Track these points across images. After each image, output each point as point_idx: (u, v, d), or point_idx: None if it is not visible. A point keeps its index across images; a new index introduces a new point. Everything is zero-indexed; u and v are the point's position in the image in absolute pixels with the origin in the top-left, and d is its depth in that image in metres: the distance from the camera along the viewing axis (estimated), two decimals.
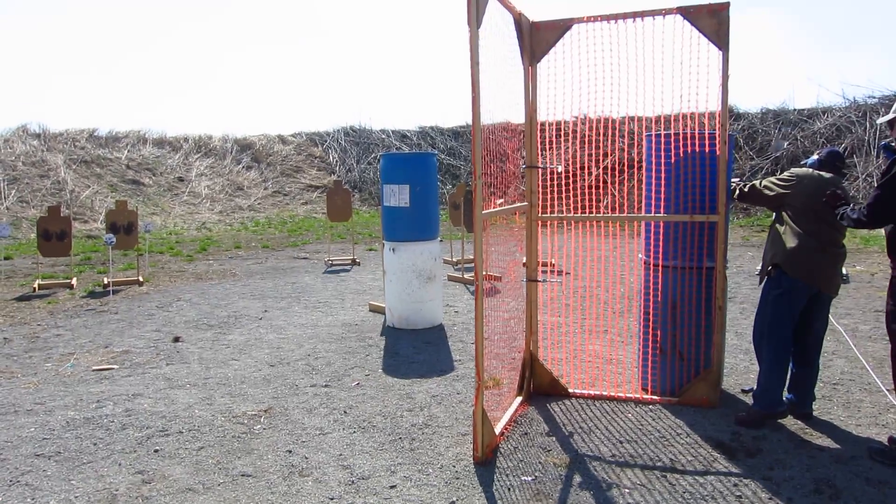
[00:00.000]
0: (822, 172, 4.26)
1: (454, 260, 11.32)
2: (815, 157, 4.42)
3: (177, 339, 6.73)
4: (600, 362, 5.67)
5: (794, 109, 19.37)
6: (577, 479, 3.62)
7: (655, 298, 4.82)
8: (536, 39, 4.67)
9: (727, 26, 4.23)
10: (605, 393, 4.91)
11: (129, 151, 19.42)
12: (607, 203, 9.77)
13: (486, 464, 3.80)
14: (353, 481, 3.64)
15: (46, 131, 18.36)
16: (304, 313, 7.91)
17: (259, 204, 20.12)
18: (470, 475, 3.68)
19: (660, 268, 4.80)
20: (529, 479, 3.62)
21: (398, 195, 6.81)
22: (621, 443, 4.08)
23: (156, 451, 4.08)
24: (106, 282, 9.48)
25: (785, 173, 4.39)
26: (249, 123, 34.29)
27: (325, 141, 24.55)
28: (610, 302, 7.59)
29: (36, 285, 9.42)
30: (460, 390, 5.12)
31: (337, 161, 23.49)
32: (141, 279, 9.91)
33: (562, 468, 3.75)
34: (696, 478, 3.61)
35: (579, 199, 5.05)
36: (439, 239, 7.33)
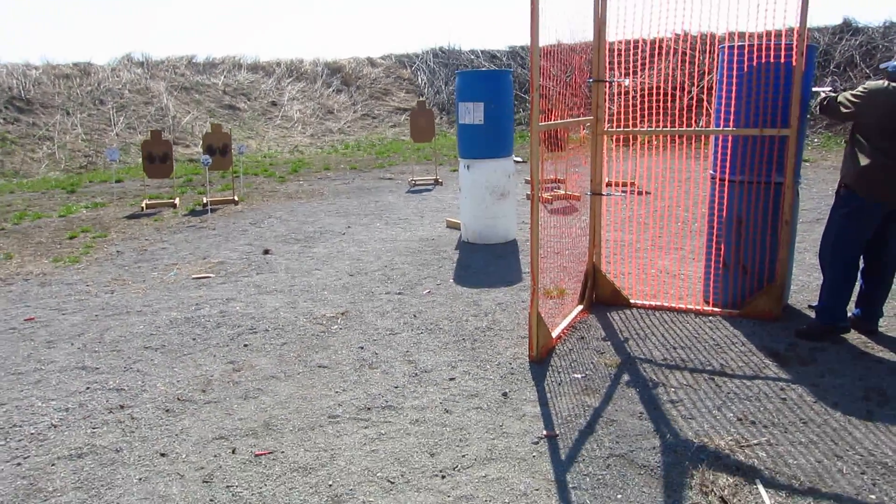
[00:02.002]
0: None
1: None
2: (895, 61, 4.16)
3: (266, 252, 7.28)
4: (667, 277, 5.73)
5: None
6: (626, 377, 3.81)
7: (721, 213, 4.79)
8: None
9: None
10: (666, 304, 5.00)
11: (224, 77, 20.20)
12: (675, 119, 9.42)
13: (540, 363, 4.04)
14: (416, 373, 3.99)
15: (149, 60, 19.35)
16: (384, 229, 8.28)
17: (348, 127, 20.58)
18: (524, 371, 3.95)
19: (726, 182, 4.75)
20: (579, 376, 3.84)
21: (473, 113, 6.91)
22: (674, 349, 4.21)
23: (245, 345, 4.58)
24: (205, 201, 10.20)
25: (860, 87, 4.16)
26: (339, 47, 34.61)
27: (414, 63, 24.50)
28: (689, 221, 7.51)
29: (144, 205, 10.26)
30: (525, 299, 5.34)
31: (425, 83, 23.49)
32: (236, 199, 10.57)
33: (612, 368, 3.95)
34: (744, 381, 3.71)
35: (646, 114, 5.01)
36: (515, 156, 7.41)
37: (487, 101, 6.82)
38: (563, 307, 4.85)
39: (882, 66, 4.15)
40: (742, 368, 3.88)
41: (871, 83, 4.07)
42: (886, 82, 4.00)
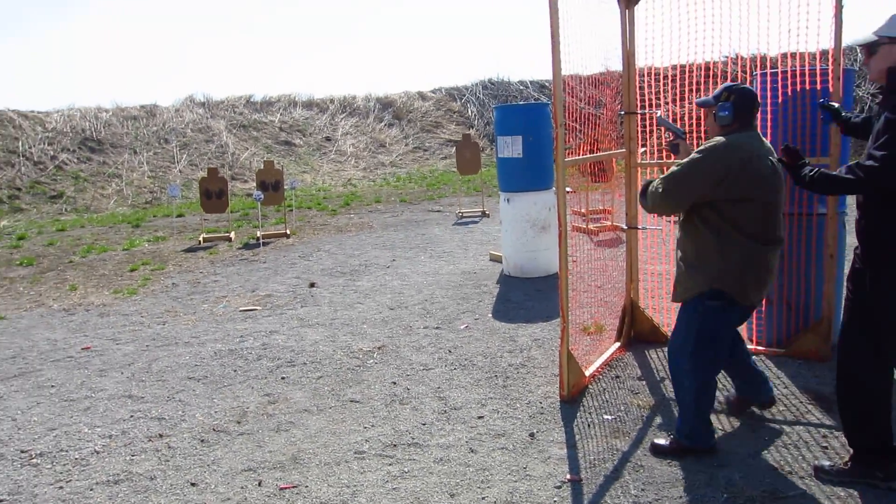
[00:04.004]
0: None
1: (581, 210, 11.26)
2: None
3: (312, 285, 7.44)
4: None
5: None
6: (658, 420, 3.72)
7: None
8: None
9: None
10: None
11: (280, 115, 20.92)
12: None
13: (571, 402, 3.99)
14: (445, 410, 4.00)
15: (210, 100, 20.24)
16: (428, 262, 8.36)
17: (400, 160, 20.95)
18: (554, 411, 3.90)
19: None
20: (610, 417, 3.77)
21: (511, 146, 6.97)
22: None
23: (282, 378, 4.68)
24: (258, 235, 10.53)
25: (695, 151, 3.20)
26: (390, 81, 35.61)
27: (464, 95, 24.86)
28: None
29: (201, 238, 10.66)
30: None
31: (475, 115, 23.76)
32: (288, 232, 10.87)
33: (645, 409, 3.86)
34: (783, 426, 3.57)
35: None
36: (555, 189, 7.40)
37: (525, 135, 6.87)
38: (601, 344, 4.78)
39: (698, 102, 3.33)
40: (782, 412, 3.73)
41: (709, 146, 3.12)
42: (723, 139, 3.11)
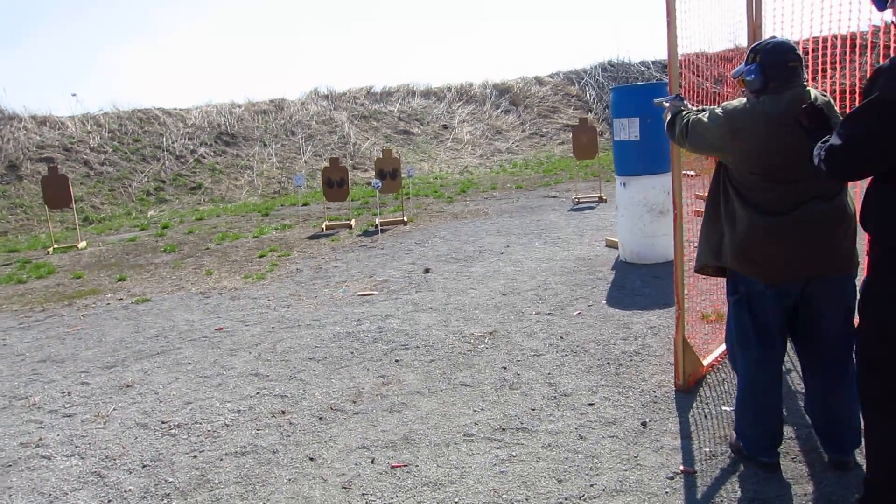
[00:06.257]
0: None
1: (703, 194, 10.72)
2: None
3: (427, 271, 7.59)
4: None
5: None
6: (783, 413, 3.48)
7: None
8: None
9: None
10: None
11: (399, 104, 21.42)
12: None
13: (687, 392, 3.83)
14: (555, 396, 3.96)
15: (332, 92, 21.10)
16: (542, 248, 8.28)
17: (516, 146, 20.85)
18: (668, 401, 3.76)
19: None
20: (729, 408, 3.58)
21: (628, 128, 6.73)
22: None
23: (396, 360, 4.82)
24: (376, 222, 10.86)
25: (718, 108, 3.02)
26: (507, 67, 35.36)
27: (582, 79, 24.31)
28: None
29: (324, 226, 11.16)
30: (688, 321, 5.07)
31: (594, 98, 23.19)
32: (405, 219, 11.14)
33: None
34: None
35: None
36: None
37: (643, 116, 6.61)
38: (722, 332, 4.53)
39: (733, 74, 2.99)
40: None
41: (730, 104, 2.91)
42: (745, 100, 2.85)
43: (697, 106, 3.45)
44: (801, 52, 2.80)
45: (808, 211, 2.65)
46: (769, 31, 4.37)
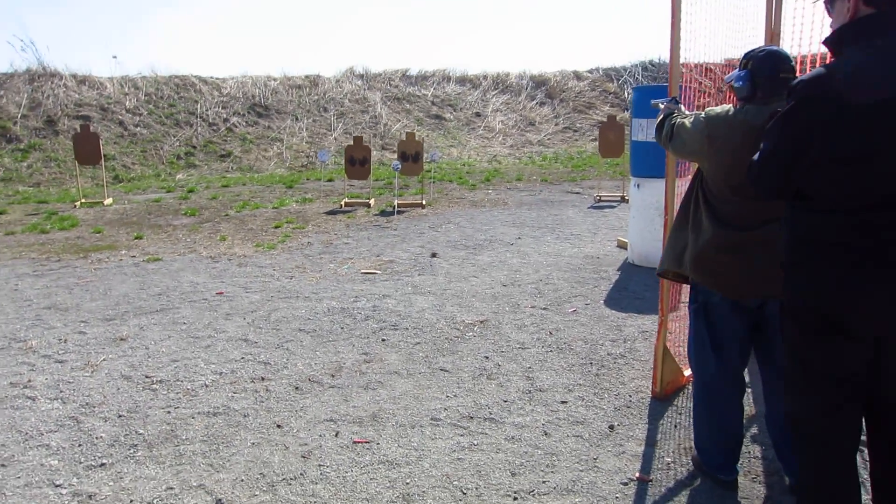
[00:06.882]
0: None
1: None
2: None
3: (434, 255, 7.60)
4: None
5: None
6: (754, 430, 3.44)
7: None
8: None
9: None
10: None
11: (434, 89, 21.37)
12: None
13: (663, 400, 3.79)
14: (530, 391, 3.95)
15: (368, 72, 21.12)
16: (553, 243, 8.23)
17: (549, 139, 20.68)
18: (642, 407, 3.73)
19: None
20: None
21: (646, 129, 6.63)
22: None
23: (383, 340, 4.85)
24: (394, 203, 10.89)
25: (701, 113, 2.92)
26: (546, 59, 34.75)
27: (622, 76, 23.98)
28: None
29: (343, 203, 11.23)
30: (673, 330, 5.01)
31: (631, 97, 22.88)
32: (423, 203, 11.15)
33: (745, 417, 3.57)
34: None
35: None
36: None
37: None
38: None
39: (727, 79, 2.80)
40: None
41: (713, 109, 2.83)
42: (730, 107, 2.75)
43: (693, 111, 3.38)
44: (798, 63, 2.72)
45: (774, 230, 2.56)
46: (787, 40, 4.26)
